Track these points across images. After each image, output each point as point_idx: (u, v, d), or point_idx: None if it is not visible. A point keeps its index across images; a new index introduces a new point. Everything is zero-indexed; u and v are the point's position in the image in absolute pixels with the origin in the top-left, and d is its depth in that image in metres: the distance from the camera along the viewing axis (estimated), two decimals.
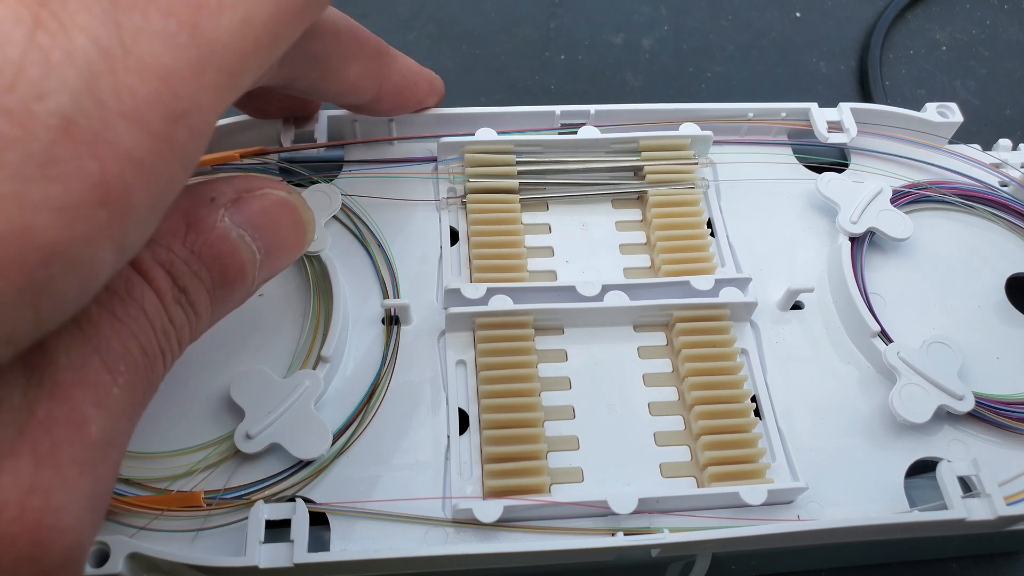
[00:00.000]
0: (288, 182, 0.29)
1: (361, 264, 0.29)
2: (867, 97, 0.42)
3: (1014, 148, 0.34)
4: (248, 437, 0.24)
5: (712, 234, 0.30)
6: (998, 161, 0.33)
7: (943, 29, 0.46)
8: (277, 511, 0.23)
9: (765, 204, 0.32)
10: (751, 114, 0.32)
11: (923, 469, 0.27)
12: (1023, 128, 0.42)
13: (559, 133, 0.31)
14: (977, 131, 0.35)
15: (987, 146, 0.34)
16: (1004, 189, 0.33)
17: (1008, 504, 0.25)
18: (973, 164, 0.33)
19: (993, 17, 0.46)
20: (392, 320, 0.28)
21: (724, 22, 0.45)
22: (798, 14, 0.46)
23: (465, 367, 0.27)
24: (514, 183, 0.30)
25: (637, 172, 0.31)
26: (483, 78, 0.42)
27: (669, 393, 0.27)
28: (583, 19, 0.44)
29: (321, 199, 0.29)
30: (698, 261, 0.29)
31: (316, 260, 0.28)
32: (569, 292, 0.28)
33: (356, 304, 0.28)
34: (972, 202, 0.32)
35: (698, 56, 0.43)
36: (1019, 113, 0.42)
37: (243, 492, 0.24)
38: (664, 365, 0.28)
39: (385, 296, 0.28)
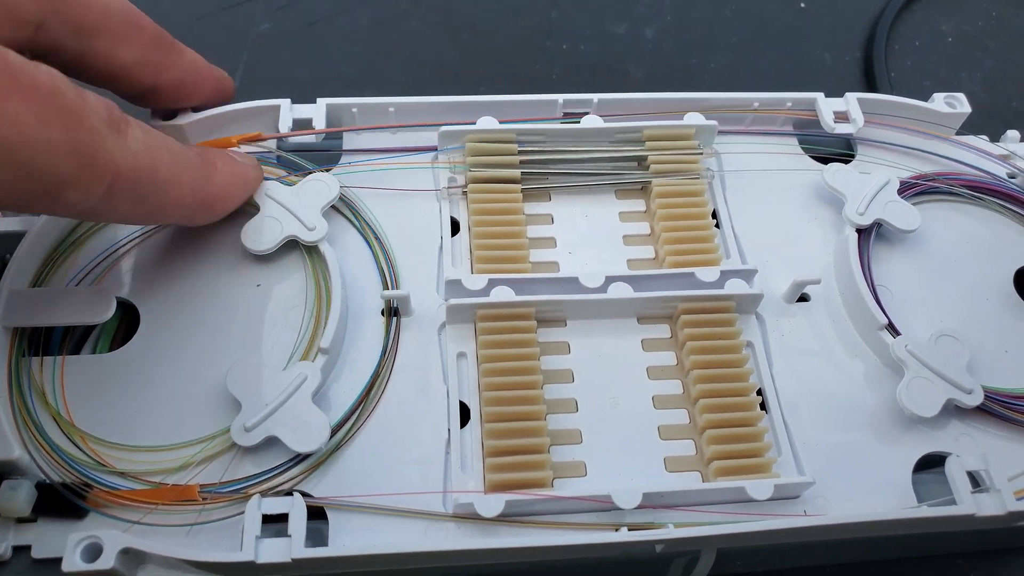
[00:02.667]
0: (286, 171, 0.29)
1: (360, 255, 0.28)
2: (872, 89, 0.41)
3: (1022, 139, 0.34)
4: (245, 430, 0.23)
5: (717, 225, 0.30)
6: (1006, 152, 0.33)
7: (949, 20, 0.45)
8: (274, 505, 0.23)
9: (770, 195, 0.31)
10: (756, 104, 0.32)
11: (931, 464, 0.26)
12: None
13: (562, 122, 0.31)
14: (983, 123, 0.35)
15: (994, 138, 0.34)
16: (1012, 181, 0.33)
17: (1018, 499, 0.24)
18: (981, 155, 0.33)
19: (999, 9, 0.46)
20: (392, 312, 0.27)
21: (728, 12, 0.44)
22: (803, 5, 0.45)
23: (466, 359, 0.26)
24: (516, 173, 0.29)
25: (641, 162, 0.31)
26: (484, 67, 0.41)
27: (673, 386, 0.27)
28: (585, 8, 0.44)
29: (319, 188, 0.28)
30: (703, 252, 0.29)
31: (314, 251, 0.27)
32: (572, 283, 0.27)
33: (355, 295, 0.27)
34: (980, 194, 0.32)
35: (701, 47, 0.43)
36: None
37: (240, 486, 0.23)
38: (668, 358, 0.27)
39: (385, 287, 0.28)
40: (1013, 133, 0.34)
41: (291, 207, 0.27)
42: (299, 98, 0.30)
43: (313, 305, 0.27)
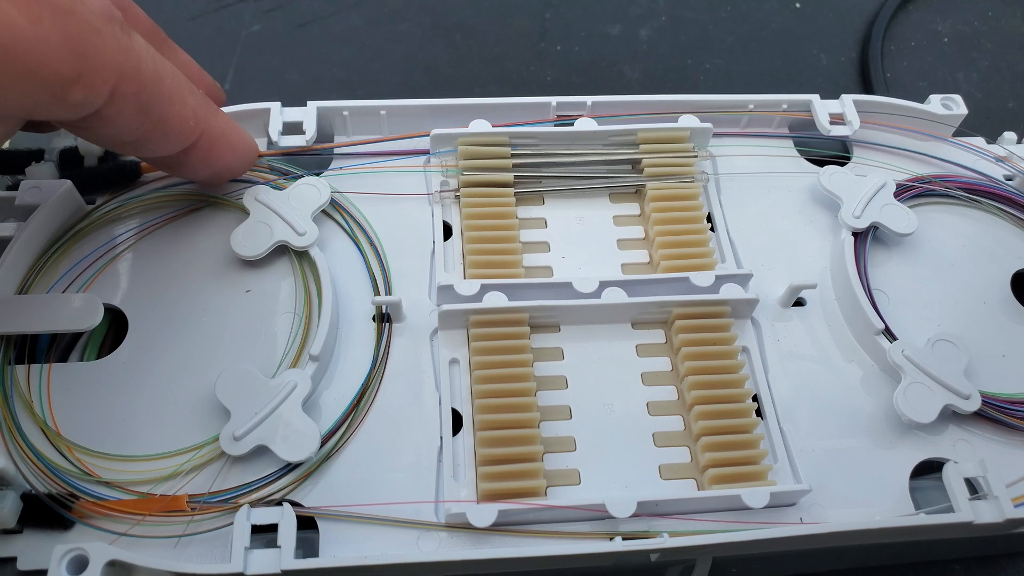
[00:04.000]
0: (277, 176, 0.29)
1: (351, 260, 0.28)
2: (868, 90, 0.41)
3: (1019, 141, 0.34)
4: (234, 439, 0.23)
5: (712, 229, 0.30)
6: (1003, 154, 0.33)
7: (945, 20, 0.45)
8: (264, 515, 0.22)
9: (766, 198, 0.31)
10: (752, 106, 0.32)
11: (929, 470, 0.26)
12: None
13: (555, 125, 0.30)
14: (979, 124, 0.34)
15: (990, 140, 0.34)
16: (1009, 183, 0.32)
17: (1016, 506, 0.24)
18: (978, 155, 0.33)
19: (995, 8, 0.46)
20: (383, 318, 0.27)
21: (723, 13, 0.44)
22: (798, 5, 0.45)
23: (459, 366, 0.26)
24: (509, 176, 0.29)
25: (635, 165, 0.30)
26: (477, 69, 0.41)
27: (668, 392, 0.26)
28: (579, 9, 0.43)
29: (310, 193, 0.28)
30: (698, 256, 0.28)
31: (305, 256, 0.27)
32: (566, 288, 0.27)
33: (346, 301, 0.27)
34: (977, 196, 0.31)
35: (696, 48, 0.43)
36: (1022, 106, 0.42)
37: (229, 496, 0.23)
38: (663, 363, 0.27)
39: (376, 293, 0.27)
40: (1010, 135, 0.34)
41: (281, 212, 0.27)
42: (290, 100, 0.30)
43: (303, 311, 0.26)
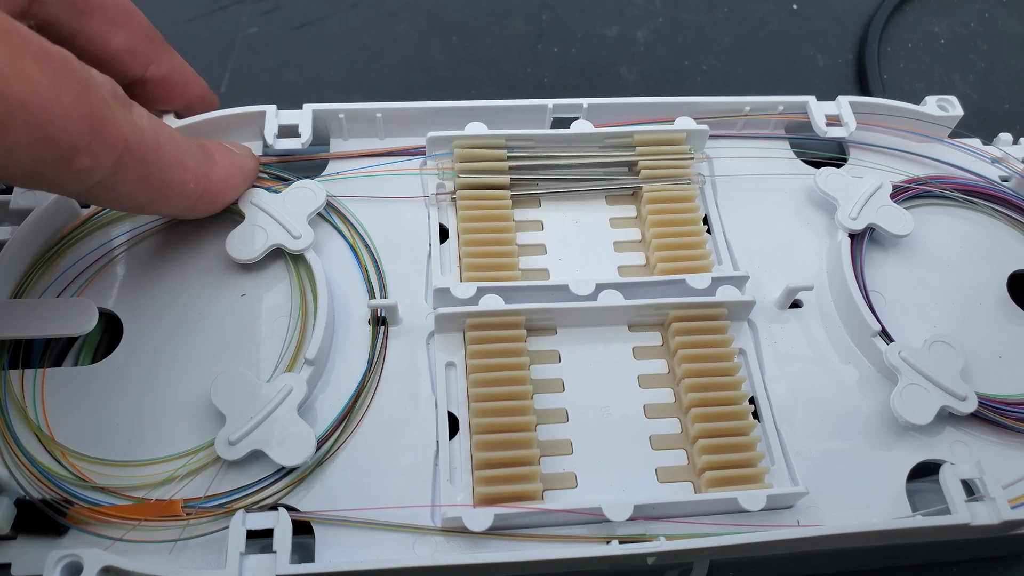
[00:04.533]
0: (273, 178, 0.29)
1: (347, 263, 0.28)
2: (865, 91, 0.41)
3: (1015, 142, 0.34)
4: (229, 443, 0.23)
5: (708, 231, 0.30)
6: (999, 155, 0.33)
7: (941, 22, 0.45)
8: (259, 520, 0.22)
9: (763, 200, 0.31)
10: (748, 108, 0.31)
11: (925, 472, 0.26)
12: (1023, 122, 0.41)
13: (551, 127, 0.30)
14: (976, 125, 0.34)
15: (987, 141, 0.34)
16: (1005, 184, 0.32)
17: (1013, 507, 0.24)
18: (974, 156, 0.33)
19: (992, 10, 0.46)
20: (379, 321, 0.27)
21: (720, 14, 0.44)
22: (795, 6, 0.45)
23: (455, 369, 0.26)
24: (505, 179, 0.29)
25: (632, 167, 0.30)
26: (474, 71, 0.41)
27: (665, 395, 0.26)
28: (576, 11, 0.43)
29: (305, 196, 0.28)
30: (694, 259, 0.28)
31: (300, 259, 0.27)
32: (562, 291, 0.27)
33: (342, 304, 0.27)
34: (973, 197, 0.31)
35: (693, 49, 0.43)
36: (1018, 107, 0.42)
37: (224, 500, 0.23)
38: (660, 366, 0.27)
39: (372, 296, 0.27)
40: (1006, 136, 0.34)
41: (277, 215, 0.27)
42: (286, 103, 0.30)
43: (299, 315, 0.26)
